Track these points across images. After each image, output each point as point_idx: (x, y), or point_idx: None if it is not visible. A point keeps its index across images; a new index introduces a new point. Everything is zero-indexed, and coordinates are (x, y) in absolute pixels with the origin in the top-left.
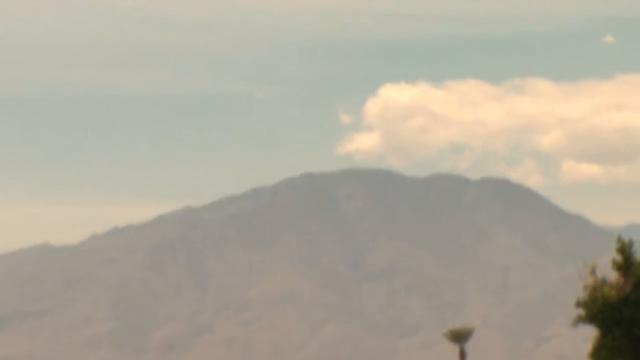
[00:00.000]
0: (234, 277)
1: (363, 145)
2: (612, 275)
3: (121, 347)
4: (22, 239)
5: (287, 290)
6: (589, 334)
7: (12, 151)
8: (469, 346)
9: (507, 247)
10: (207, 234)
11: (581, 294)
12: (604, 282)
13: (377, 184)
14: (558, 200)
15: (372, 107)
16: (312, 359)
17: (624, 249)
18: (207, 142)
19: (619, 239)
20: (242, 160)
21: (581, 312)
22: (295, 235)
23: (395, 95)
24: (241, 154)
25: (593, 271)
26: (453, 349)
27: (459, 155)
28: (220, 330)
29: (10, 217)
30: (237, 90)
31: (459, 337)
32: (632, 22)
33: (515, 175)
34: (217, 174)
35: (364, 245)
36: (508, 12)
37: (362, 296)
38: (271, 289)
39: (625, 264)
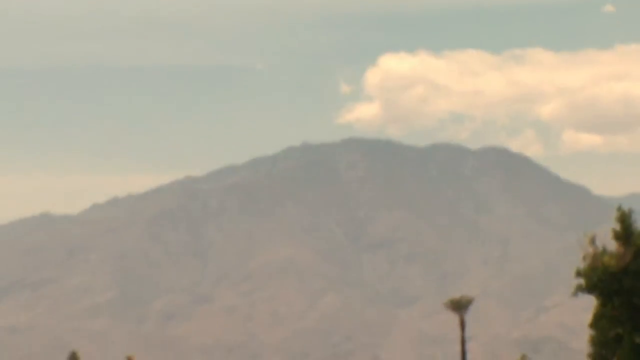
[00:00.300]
0: (234, 247)
1: (363, 115)
2: (612, 245)
3: (121, 317)
4: (22, 209)
5: (287, 260)
6: (589, 304)
7: (12, 121)
8: (469, 315)
9: (507, 217)
10: (207, 204)
11: (581, 263)
12: (603, 251)
13: (377, 154)
14: (558, 170)
15: (372, 76)
16: (312, 329)
17: (624, 219)
18: (207, 112)
19: (619, 209)
20: (242, 130)
21: (581, 281)
22: (295, 205)
23: (395, 65)
24: (241, 124)
25: (593, 241)
26: (453, 318)
27: (459, 125)
28: (220, 300)
29: (10, 187)
30: (237, 61)
31: (459, 306)
32: None
33: (515, 145)
34: (217, 144)
35: (364, 215)
36: None
37: (362, 266)
38: (271, 259)
39: (625, 234)
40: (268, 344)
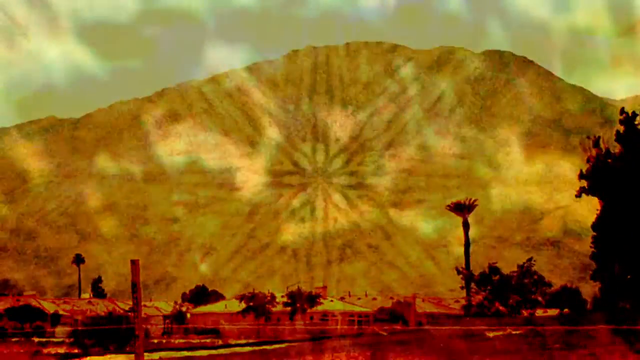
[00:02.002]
0: None
1: (367, 18)
2: (616, 147)
3: (125, 220)
4: (28, 112)
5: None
6: (593, 206)
7: (14, 25)
8: (472, 218)
9: (510, 120)
10: (211, 106)
11: (585, 165)
12: (607, 153)
13: (381, 57)
14: (561, 72)
15: None
16: (315, 232)
17: (628, 121)
18: (207, 15)
19: (623, 111)
20: (244, 33)
21: (584, 183)
22: (298, 109)
23: None
24: (243, 26)
25: (596, 143)
26: (457, 221)
27: (462, 28)
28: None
29: (14, 90)
30: None
31: (463, 209)
32: None
33: (518, 48)
34: (218, 47)
35: (367, 117)
36: None
37: (366, 170)
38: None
39: (628, 136)
40: (271, 247)
